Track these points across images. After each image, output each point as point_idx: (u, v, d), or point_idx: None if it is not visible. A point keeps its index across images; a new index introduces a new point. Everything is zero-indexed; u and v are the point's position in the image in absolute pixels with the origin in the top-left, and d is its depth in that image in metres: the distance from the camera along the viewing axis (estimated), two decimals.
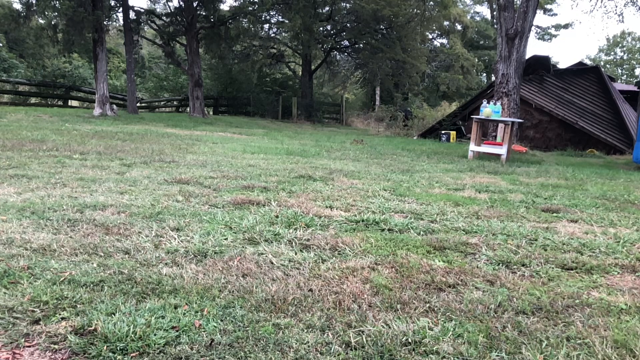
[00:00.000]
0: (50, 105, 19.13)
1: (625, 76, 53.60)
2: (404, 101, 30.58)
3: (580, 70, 15.61)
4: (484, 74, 42.05)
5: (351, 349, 1.73)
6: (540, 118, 15.03)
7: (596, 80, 15.07)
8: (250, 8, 19.61)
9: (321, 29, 27.31)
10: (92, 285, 2.12)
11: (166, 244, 2.75)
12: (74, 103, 21.32)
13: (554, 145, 14.59)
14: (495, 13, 33.82)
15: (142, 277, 2.23)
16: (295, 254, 2.70)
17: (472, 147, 9.03)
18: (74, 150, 6.47)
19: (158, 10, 23.25)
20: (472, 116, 9.84)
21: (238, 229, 3.11)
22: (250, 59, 26.61)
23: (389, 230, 3.31)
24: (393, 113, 22.92)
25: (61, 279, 2.16)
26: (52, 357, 1.61)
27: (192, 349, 1.67)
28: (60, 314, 1.85)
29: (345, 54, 30.36)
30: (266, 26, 26.58)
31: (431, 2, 26.57)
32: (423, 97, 34.60)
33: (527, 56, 12.78)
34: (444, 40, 36.43)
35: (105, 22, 16.31)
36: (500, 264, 2.72)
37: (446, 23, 32.75)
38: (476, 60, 36.71)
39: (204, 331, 1.79)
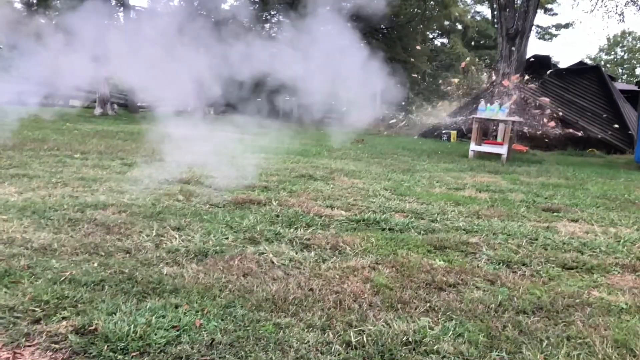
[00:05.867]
0: (50, 105, 19.12)
1: (625, 76, 53.47)
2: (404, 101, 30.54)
3: (580, 69, 15.58)
4: (484, 74, 41.98)
5: (352, 349, 1.73)
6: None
7: (597, 79, 15.04)
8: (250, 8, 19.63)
9: None
10: (92, 284, 2.13)
11: (167, 243, 2.76)
12: (75, 102, 21.30)
13: (554, 145, 14.56)
14: (495, 13, 33.78)
15: (142, 276, 2.23)
16: (296, 253, 2.70)
17: (473, 146, 9.02)
18: (75, 149, 6.47)
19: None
20: (472, 116, 9.83)
21: (239, 229, 3.11)
22: None
23: (389, 229, 3.31)
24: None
25: (62, 279, 2.16)
26: (53, 356, 1.62)
27: (192, 348, 1.67)
28: (61, 314, 1.86)
29: None
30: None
31: (432, 2, 26.56)
32: (423, 96, 34.56)
33: (528, 56, 12.77)
34: (445, 40, 36.39)
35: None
36: (501, 264, 2.72)
37: (447, 23, 32.71)
38: (477, 59, 36.64)
39: (204, 331, 1.79)
